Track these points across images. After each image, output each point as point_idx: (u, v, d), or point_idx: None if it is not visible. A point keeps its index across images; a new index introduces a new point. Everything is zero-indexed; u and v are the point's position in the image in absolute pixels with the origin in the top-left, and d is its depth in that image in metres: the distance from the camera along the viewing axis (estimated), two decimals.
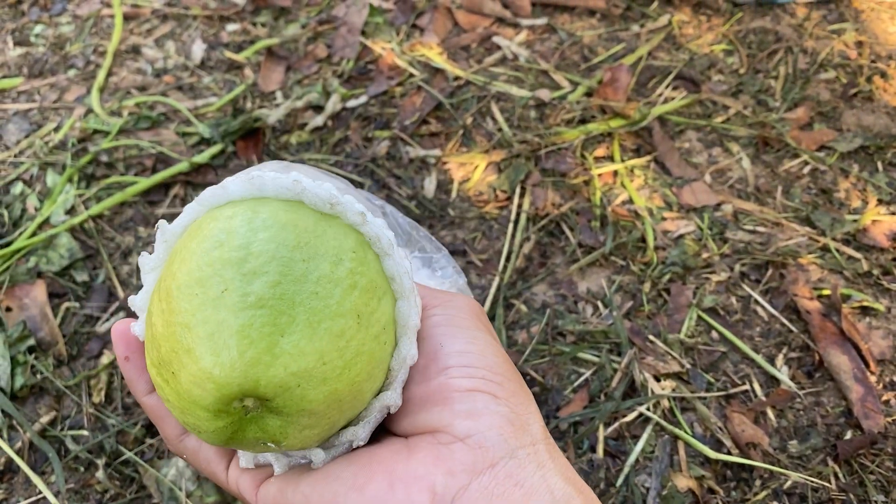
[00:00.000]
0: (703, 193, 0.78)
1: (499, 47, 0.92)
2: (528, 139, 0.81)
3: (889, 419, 0.62)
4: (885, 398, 0.63)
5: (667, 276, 0.71)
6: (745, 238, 0.75)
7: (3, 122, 0.82)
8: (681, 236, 0.75)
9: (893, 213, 0.76)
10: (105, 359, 0.66)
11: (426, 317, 0.35)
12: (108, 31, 0.92)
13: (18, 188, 0.76)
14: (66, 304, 0.69)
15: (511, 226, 0.75)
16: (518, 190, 0.77)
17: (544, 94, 0.86)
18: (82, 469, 0.60)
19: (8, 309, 0.68)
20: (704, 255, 0.73)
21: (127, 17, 0.94)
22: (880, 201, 0.77)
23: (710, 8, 0.97)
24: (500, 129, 0.83)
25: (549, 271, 0.72)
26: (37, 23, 0.93)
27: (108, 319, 0.68)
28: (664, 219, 0.76)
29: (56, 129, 0.81)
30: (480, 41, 0.93)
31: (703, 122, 0.84)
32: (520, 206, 0.76)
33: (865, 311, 0.69)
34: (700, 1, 0.97)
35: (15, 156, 0.79)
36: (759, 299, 0.70)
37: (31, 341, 0.66)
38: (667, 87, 0.87)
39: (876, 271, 0.72)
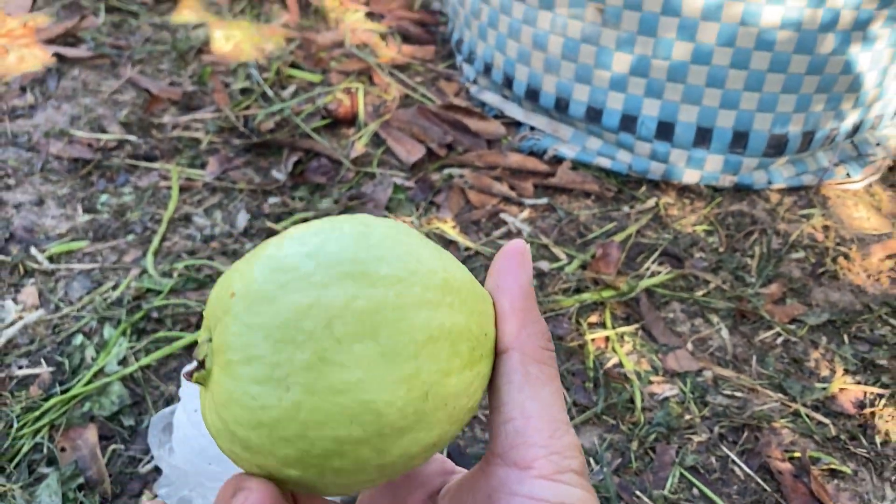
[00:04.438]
0: (686, 360, 0.87)
1: (505, 223, 1.05)
2: None
3: None
4: None
5: (653, 436, 0.79)
6: (723, 402, 0.83)
7: (69, 280, 0.93)
8: (666, 399, 0.83)
9: (859, 383, 0.85)
10: (145, 497, 0.73)
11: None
12: (164, 201, 1.06)
13: (79, 340, 0.86)
14: (113, 446, 0.77)
15: None
16: None
17: (544, 266, 0.97)
18: None
19: (62, 449, 0.76)
20: (687, 417, 0.81)
21: (182, 189, 1.08)
22: (846, 371, 0.86)
23: (693, 192, 1.10)
24: None
25: None
26: (103, 192, 1.07)
27: (149, 461, 0.76)
28: (651, 382, 0.85)
29: (114, 288, 0.93)
30: (489, 217, 1.06)
31: (687, 295, 0.94)
32: None
33: (834, 473, 0.76)
34: (684, 186, 1.10)
35: (77, 311, 0.89)
36: (736, 459, 0.77)
37: (81, 480, 0.74)
38: (653, 262, 0.99)
39: (843, 436, 0.80)
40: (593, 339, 0.89)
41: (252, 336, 0.25)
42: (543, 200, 1.08)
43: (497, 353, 0.30)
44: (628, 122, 1.07)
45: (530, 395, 0.28)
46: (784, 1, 0.95)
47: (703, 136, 1.05)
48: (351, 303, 0.25)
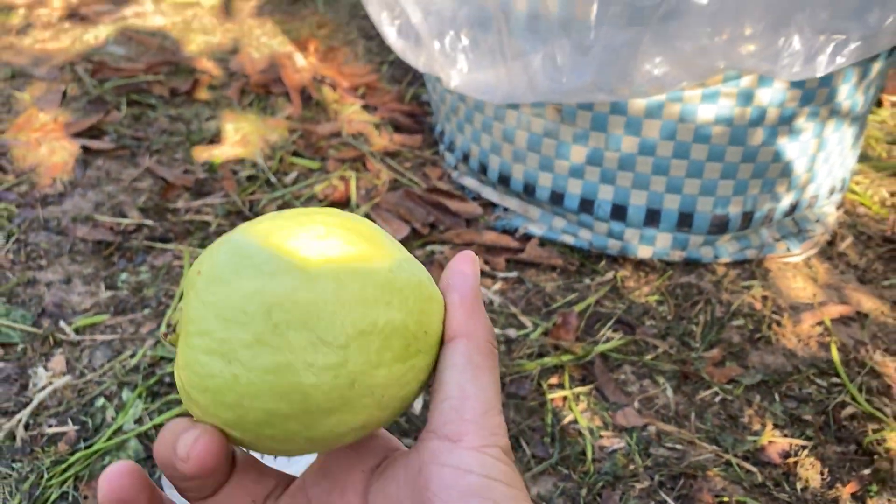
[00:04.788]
0: (633, 416, 0.99)
1: None
2: None
3: None
4: None
5: (601, 484, 0.90)
6: (664, 453, 0.94)
7: (92, 349, 1.06)
8: (614, 451, 0.94)
9: (786, 436, 0.96)
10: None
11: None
12: (176, 279, 1.19)
13: (101, 402, 0.99)
14: None
15: None
16: None
17: (512, 333, 1.10)
18: None
19: (86, 497, 0.88)
20: (631, 467, 0.92)
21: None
22: (776, 426, 0.97)
23: (648, 266, 1.23)
24: None
25: None
26: (123, 271, 1.21)
27: None
28: (601, 436, 0.96)
29: (132, 356, 1.06)
30: None
31: (637, 359, 1.06)
32: None
33: None
34: (640, 260, 1.23)
35: (99, 376, 1.02)
36: None
37: None
38: (609, 329, 1.11)
39: (769, 483, 0.91)
40: (552, 399, 1.00)
41: (206, 312, 0.28)
42: (514, 274, 1.21)
43: (444, 343, 0.33)
44: (587, 204, 1.21)
45: (471, 378, 0.31)
46: (716, 100, 1.10)
47: (652, 217, 1.19)
48: (292, 294, 0.28)
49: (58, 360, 1.04)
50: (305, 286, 0.29)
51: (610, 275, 1.21)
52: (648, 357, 1.07)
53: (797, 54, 0.86)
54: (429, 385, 0.33)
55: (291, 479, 0.35)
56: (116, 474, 0.31)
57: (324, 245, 0.30)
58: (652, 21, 0.83)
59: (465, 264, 0.34)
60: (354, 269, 0.30)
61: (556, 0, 0.88)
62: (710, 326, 1.12)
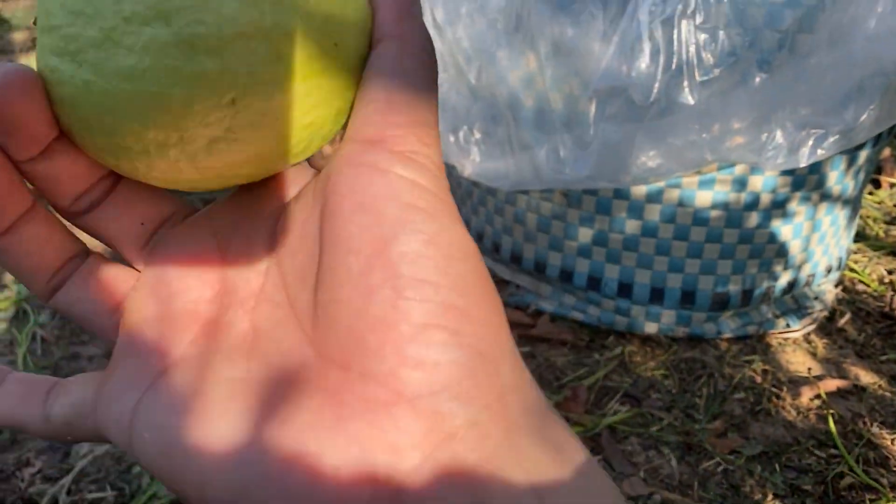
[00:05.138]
0: (639, 486, 1.04)
1: None
2: None
3: None
4: None
5: None
6: None
7: None
8: None
9: None
10: None
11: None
12: None
13: (137, 469, 1.05)
14: None
15: None
16: None
17: None
18: None
19: None
20: None
21: None
22: (776, 495, 1.02)
23: (654, 341, 1.29)
24: None
25: None
26: None
27: None
28: None
29: None
30: None
31: (643, 430, 1.12)
32: None
33: None
34: (646, 335, 1.30)
35: None
36: None
37: None
38: (616, 402, 1.17)
39: None
40: None
41: (51, 3, 0.23)
42: (526, 349, 1.28)
43: (371, 47, 0.25)
44: (594, 282, 1.29)
45: (400, 86, 0.24)
46: (712, 186, 1.18)
47: (656, 295, 1.26)
48: None
49: None
50: None
51: (618, 350, 1.27)
52: (654, 429, 1.12)
53: (780, 147, 0.94)
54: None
55: (194, 208, 0.30)
56: None
57: None
58: (645, 118, 0.92)
59: None
60: None
61: (560, 98, 0.98)
62: (713, 399, 1.17)
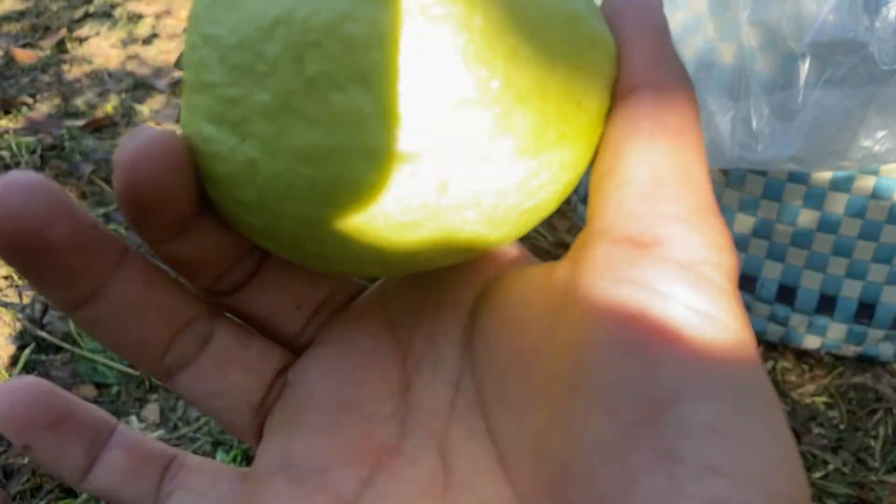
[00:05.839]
0: None
1: None
2: None
3: None
4: None
5: None
6: None
7: None
8: None
9: None
10: None
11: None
12: None
13: None
14: None
15: None
16: None
17: None
18: None
19: None
20: None
21: None
22: None
23: (813, 358, 1.06)
24: None
25: None
26: None
27: None
28: None
29: None
30: None
31: None
32: None
33: None
34: (803, 350, 1.06)
35: (193, 431, 0.93)
36: None
37: None
38: None
39: None
40: None
41: (206, 53, 0.18)
42: None
43: (616, 100, 0.20)
44: (747, 281, 1.05)
45: (666, 153, 0.19)
46: None
47: (826, 304, 1.02)
48: (339, 25, 0.16)
49: (152, 409, 0.96)
50: (362, 14, 0.16)
51: (769, 365, 1.05)
52: (817, 475, 0.90)
53: None
54: (588, 171, 0.21)
55: (358, 286, 0.24)
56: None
57: None
58: (883, 85, 0.68)
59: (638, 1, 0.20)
60: None
61: (758, 53, 0.74)
62: (893, 443, 0.94)
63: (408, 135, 0.17)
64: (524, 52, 0.17)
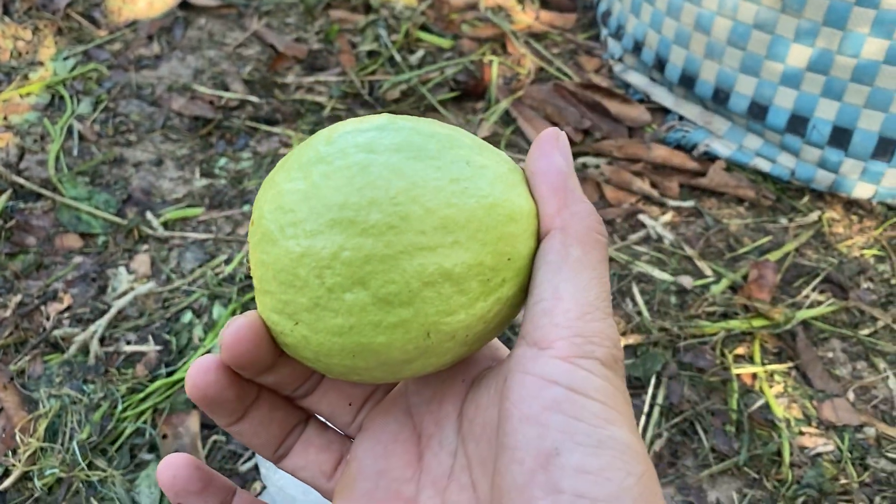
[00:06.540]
0: (845, 411, 0.76)
1: (644, 225, 0.95)
2: (668, 328, 0.82)
3: None
4: None
5: (801, 499, 0.70)
6: (887, 468, 0.72)
7: (182, 250, 0.90)
8: (818, 455, 0.73)
9: None
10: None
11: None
12: None
13: (188, 317, 0.83)
14: (214, 437, 0.74)
15: (643, 418, 0.75)
16: (653, 380, 0.78)
17: (687, 282, 0.87)
18: None
19: (164, 436, 0.74)
20: (843, 481, 0.71)
21: None
22: None
23: (863, 209, 0.97)
24: (639, 313, 0.84)
25: (679, 474, 0.71)
26: (222, 155, 1.03)
27: (249, 459, 0.73)
28: (802, 433, 0.75)
29: (227, 262, 0.89)
30: (626, 217, 0.96)
31: (850, 333, 0.83)
32: (654, 398, 0.77)
33: None
34: (853, 200, 0.97)
35: (188, 284, 0.86)
36: None
37: None
38: (813, 289, 0.87)
39: None
40: (738, 376, 0.79)
41: (264, 271, 0.27)
42: (689, 203, 0.97)
43: (540, 241, 0.29)
44: (797, 123, 0.94)
45: (566, 278, 0.27)
46: None
47: (885, 148, 0.91)
48: (339, 254, 0.26)
49: (142, 260, 0.88)
50: (351, 244, 0.26)
51: (814, 216, 0.96)
52: (865, 332, 0.83)
53: None
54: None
55: (391, 384, 0.34)
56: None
57: (363, 188, 0.27)
58: None
59: (547, 145, 0.29)
60: (406, 213, 0.26)
61: None
62: None
63: (397, 311, 0.26)
64: (464, 240, 0.27)
